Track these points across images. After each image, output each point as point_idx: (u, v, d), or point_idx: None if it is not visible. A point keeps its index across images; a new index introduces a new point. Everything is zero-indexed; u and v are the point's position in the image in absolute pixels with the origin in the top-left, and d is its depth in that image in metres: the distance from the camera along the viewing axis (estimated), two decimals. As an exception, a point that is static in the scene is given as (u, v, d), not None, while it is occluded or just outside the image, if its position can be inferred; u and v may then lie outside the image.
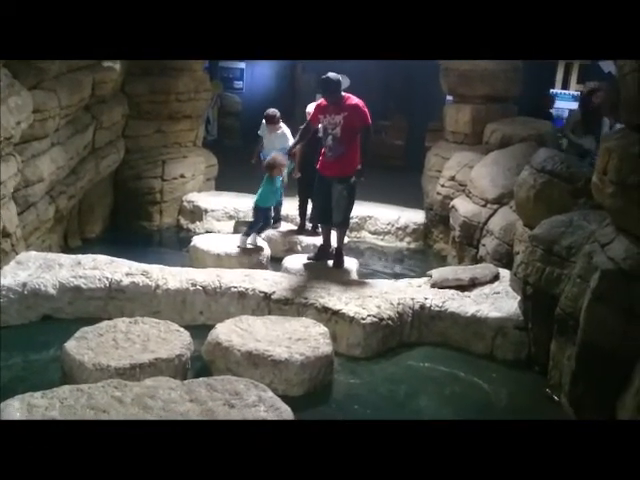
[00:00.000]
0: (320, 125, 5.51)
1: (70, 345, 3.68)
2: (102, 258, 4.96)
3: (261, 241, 5.97)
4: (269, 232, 6.55)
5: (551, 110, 8.88)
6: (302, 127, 5.70)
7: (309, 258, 5.70)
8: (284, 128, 6.63)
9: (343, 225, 5.68)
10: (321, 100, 5.55)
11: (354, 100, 5.33)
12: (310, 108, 5.88)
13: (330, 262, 5.69)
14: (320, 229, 6.08)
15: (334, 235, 5.78)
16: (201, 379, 3.37)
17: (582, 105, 7.00)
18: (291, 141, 6.39)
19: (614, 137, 3.51)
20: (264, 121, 6.72)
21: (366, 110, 5.31)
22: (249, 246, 5.81)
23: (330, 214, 5.54)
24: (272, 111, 6.63)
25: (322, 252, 5.78)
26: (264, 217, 5.99)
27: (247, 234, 5.86)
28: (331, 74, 5.24)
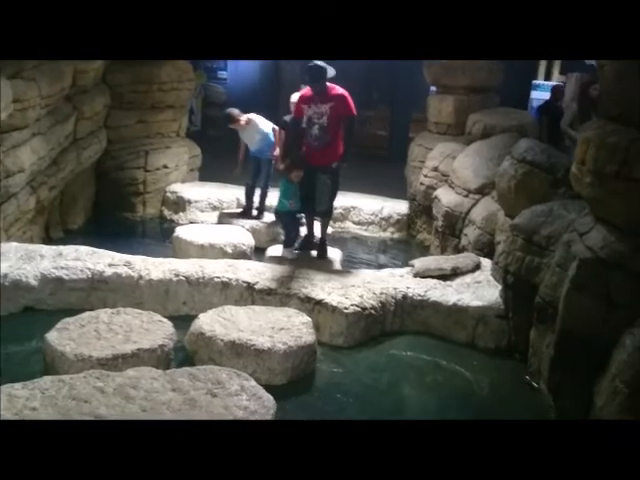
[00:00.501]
0: (305, 115, 5.48)
1: (51, 336, 3.66)
2: (84, 249, 4.93)
3: (295, 253, 5.64)
4: (253, 222, 6.56)
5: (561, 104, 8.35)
6: (288, 123, 5.63)
7: (293, 249, 5.70)
8: (253, 119, 6.55)
9: (326, 214, 5.72)
10: (304, 91, 5.55)
11: (340, 90, 5.38)
12: (294, 98, 5.86)
13: (314, 252, 5.70)
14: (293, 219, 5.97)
15: (317, 225, 5.81)
16: (183, 369, 3.38)
17: (579, 99, 7.07)
18: (267, 124, 6.48)
19: (592, 127, 3.55)
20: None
21: (351, 100, 5.37)
22: (291, 256, 5.56)
23: (314, 203, 5.57)
24: (226, 113, 6.62)
25: (306, 242, 5.79)
26: (290, 224, 5.74)
27: (285, 246, 5.68)
28: (318, 62, 5.25)
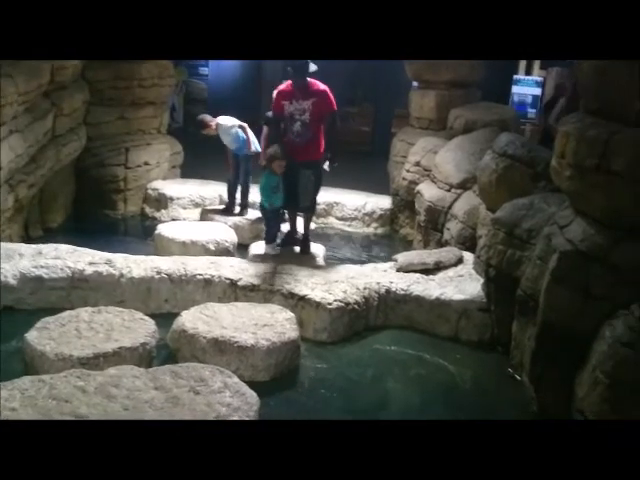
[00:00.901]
0: (285, 112, 5.42)
1: (31, 336, 3.62)
2: (64, 247, 4.87)
3: (277, 249, 5.57)
4: (236, 219, 6.53)
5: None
6: (266, 122, 5.60)
7: (276, 245, 5.68)
8: (219, 122, 6.58)
9: (310, 210, 5.72)
10: (283, 86, 5.50)
11: (321, 86, 5.36)
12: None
13: (297, 248, 5.69)
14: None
15: (300, 221, 5.80)
16: (166, 366, 3.36)
17: (569, 94, 7.15)
18: (233, 123, 6.50)
19: (571, 121, 3.57)
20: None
21: (332, 96, 5.37)
22: (274, 252, 5.49)
23: (297, 199, 5.56)
24: (198, 120, 6.69)
25: (289, 239, 5.78)
26: (272, 220, 5.63)
27: (267, 242, 5.58)
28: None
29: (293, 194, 5.53)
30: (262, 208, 5.70)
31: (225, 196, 6.90)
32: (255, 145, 6.56)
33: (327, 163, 5.58)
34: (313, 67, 5.32)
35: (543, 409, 3.57)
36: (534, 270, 3.83)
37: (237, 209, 6.73)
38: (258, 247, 5.69)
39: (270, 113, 5.88)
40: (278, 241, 5.69)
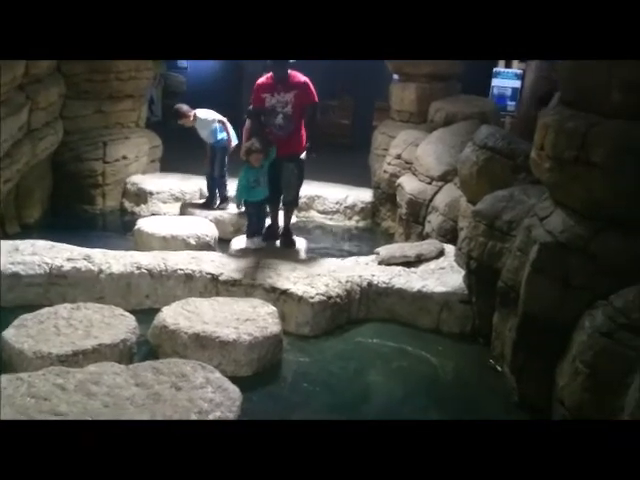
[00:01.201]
0: (266, 105, 5.35)
1: (9, 333, 3.56)
2: (42, 243, 4.80)
3: (259, 243, 5.54)
4: (217, 213, 6.48)
5: None
6: (248, 115, 5.52)
7: (258, 239, 5.63)
8: (197, 114, 6.46)
9: (293, 204, 5.71)
10: (263, 79, 5.42)
11: (302, 78, 5.33)
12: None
13: (278, 242, 5.67)
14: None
15: (282, 215, 5.77)
16: (147, 362, 3.33)
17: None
18: (212, 116, 6.40)
19: (550, 113, 3.59)
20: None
21: (313, 87, 5.34)
22: (255, 246, 5.45)
23: (279, 193, 5.53)
24: (175, 109, 6.56)
25: (270, 233, 5.75)
26: (254, 214, 5.58)
27: (249, 236, 5.56)
28: None
29: (276, 188, 5.48)
30: (245, 203, 5.63)
31: (205, 190, 6.84)
32: (235, 141, 6.48)
33: (304, 153, 5.53)
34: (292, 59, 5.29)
35: (524, 399, 3.60)
36: (514, 261, 3.86)
37: (217, 202, 6.69)
38: (239, 241, 5.65)
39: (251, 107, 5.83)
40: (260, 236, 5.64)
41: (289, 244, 5.63)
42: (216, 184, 6.66)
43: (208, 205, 6.66)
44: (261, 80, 5.44)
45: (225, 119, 6.54)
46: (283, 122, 5.30)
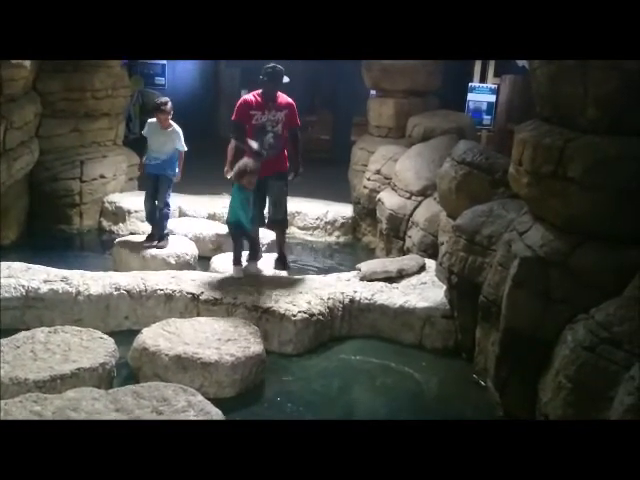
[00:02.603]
0: (254, 122, 5.19)
1: (-17, 360, 3.47)
2: (17, 265, 4.70)
3: (256, 268, 5.24)
4: (197, 230, 6.43)
5: None
6: (234, 133, 5.27)
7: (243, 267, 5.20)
8: (175, 126, 5.75)
9: (283, 222, 5.61)
10: (250, 96, 5.27)
11: (289, 99, 5.35)
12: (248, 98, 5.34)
13: (261, 264, 5.44)
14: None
15: (265, 235, 5.69)
16: (127, 387, 3.26)
17: None
18: (182, 142, 5.71)
19: (527, 128, 3.63)
20: (151, 120, 5.81)
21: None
22: (241, 275, 4.97)
23: (262, 214, 5.47)
24: (165, 99, 5.74)
25: (253, 253, 5.37)
26: (237, 238, 5.12)
27: (235, 263, 5.08)
28: (277, 65, 5.10)
29: (260, 208, 5.39)
30: (235, 227, 5.09)
31: (184, 207, 6.74)
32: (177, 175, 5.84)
33: (292, 175, 5.51)
34: (286, 79, 5.22)
35: (508, 414, 3.60)
36: (495, 276, 3.87)
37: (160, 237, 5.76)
38: (220, 259, 5.60)
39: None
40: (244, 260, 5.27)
41: (284, 267, 5.45)
42: (159, 216, 5.75)
43: (152, 239, 5.75)
44: (249, 97, 5.29)
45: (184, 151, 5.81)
46: (273, 141, 5.22)
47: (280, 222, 5.55)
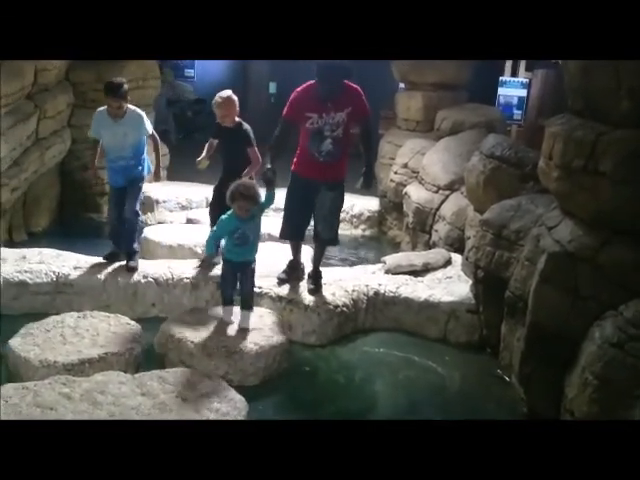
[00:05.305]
0: (309, 126, 4.25)
1: (15, 342, 3.56)
2: (48, 252, 4.81)
3: (247, 321, 4.01)
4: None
5: None
6: (277, 133, 4.31)
7: (279, 278, 4.62)
8: (133, 109, 4.53)
9: (333, 242, 4.70)
10: (304, 91, 4.28)
11: (355, 88, 4.31)
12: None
13: (303, 283, 4.60)
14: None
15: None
16: (153, 372, 3.32)
17: None
18: (147, 124, 4.59)
19: (558, 122, 3.58)
20: (100, 109, 4.57)
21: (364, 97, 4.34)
22: (230, 317, 4.04)
23: (305, 226, 4.60)
24: (118, 80, 4.44)
25: (292, 269, 4.70)
26: (228, 275, 4.08)
27: (224, 303, 4.11)
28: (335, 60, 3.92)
29: (304, 222, 4.55)
30: (223, 259, 4.13)
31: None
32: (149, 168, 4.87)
33: (362, 180, 4.55)
34: (348, 73, 4.24)
35: (532, 410, 3.57)
36: (522, 271, 3.83)
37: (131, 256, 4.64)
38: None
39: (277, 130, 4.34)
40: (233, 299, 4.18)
41: (318, 288, 4.48)
42: (127, 229, 4.60)
43: (117, 257, 4.68)
44: (303, 92, 4.27)
45: (155, 134, 4.77)
46: (332, 148, 4.26)
47: (331, 241, 4.65)
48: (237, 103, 4.64)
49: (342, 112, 4.23)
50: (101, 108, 4.56)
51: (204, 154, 4.81)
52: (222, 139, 4.73)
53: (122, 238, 4.61)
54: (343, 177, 4.52)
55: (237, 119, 4.69)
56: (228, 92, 4.63)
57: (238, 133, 4.63)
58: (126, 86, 4.44)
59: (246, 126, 4.66)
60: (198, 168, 4.82)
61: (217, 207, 4.53)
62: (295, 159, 4.48)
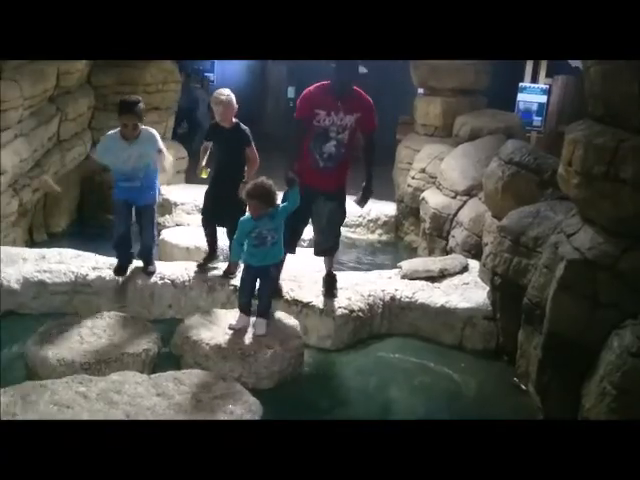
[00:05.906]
0: (315, 124, 4.16)
1: (33, 341, 3.60)
2: (68, 252, 4.86)
3: (263, 329, 3.90)
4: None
5: None
6: (293, 134, 4.31)
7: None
8: (149, 129, 4.37)
9: (332, 251, 4.59)
10: (316, 88, 4.19)
11: (366, 98, 4.24)
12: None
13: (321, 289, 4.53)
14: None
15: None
16: (168, 373, 3.34)
17: None
18: (159, 142, 4.34)
19: (579, 128, 3.54)
20: (110, 133, 4.27)
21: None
22: (241, 326, 3.93)
23: (299, 236, 4.56)
24: (133, 98, 4.23)
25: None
26: (246, 281, 3.99)
27: (241, 309, 3.99)
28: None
29: (297, 229, 4.41)
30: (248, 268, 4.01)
31: None
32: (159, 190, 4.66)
33: (360, 195, 4.42)
34: (362, 69, 4.38)
35: (549, 419, 3.52)
36: (540, 278, 3.80)
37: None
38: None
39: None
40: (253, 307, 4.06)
41: (333, 292, 4.47)
42: (145, 248, 4.63)
43: (126, 269, 4.56)
44: (315, 89, 4.18)
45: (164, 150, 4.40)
46: (335, 151, 4.19)
47: (331, 250, 4.57)
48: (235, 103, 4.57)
49: (351, 115, 4.15)
50: (111, 132, 4.27)
51: (203, 163, 4.74)
52: (218, 141, 4.61)
53: (124, 247, 4.56)
54: (342, 187, 4.42)
55: (234, 119, 4.59)
56: (228, 90, 4.58)
57: (236, 134, 4.54)
58: (142, 104, 4.17)
59: (244, 126, 4.59)
60: (200, 177, 4.77)
61: (209, 215, 4.64)
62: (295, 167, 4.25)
